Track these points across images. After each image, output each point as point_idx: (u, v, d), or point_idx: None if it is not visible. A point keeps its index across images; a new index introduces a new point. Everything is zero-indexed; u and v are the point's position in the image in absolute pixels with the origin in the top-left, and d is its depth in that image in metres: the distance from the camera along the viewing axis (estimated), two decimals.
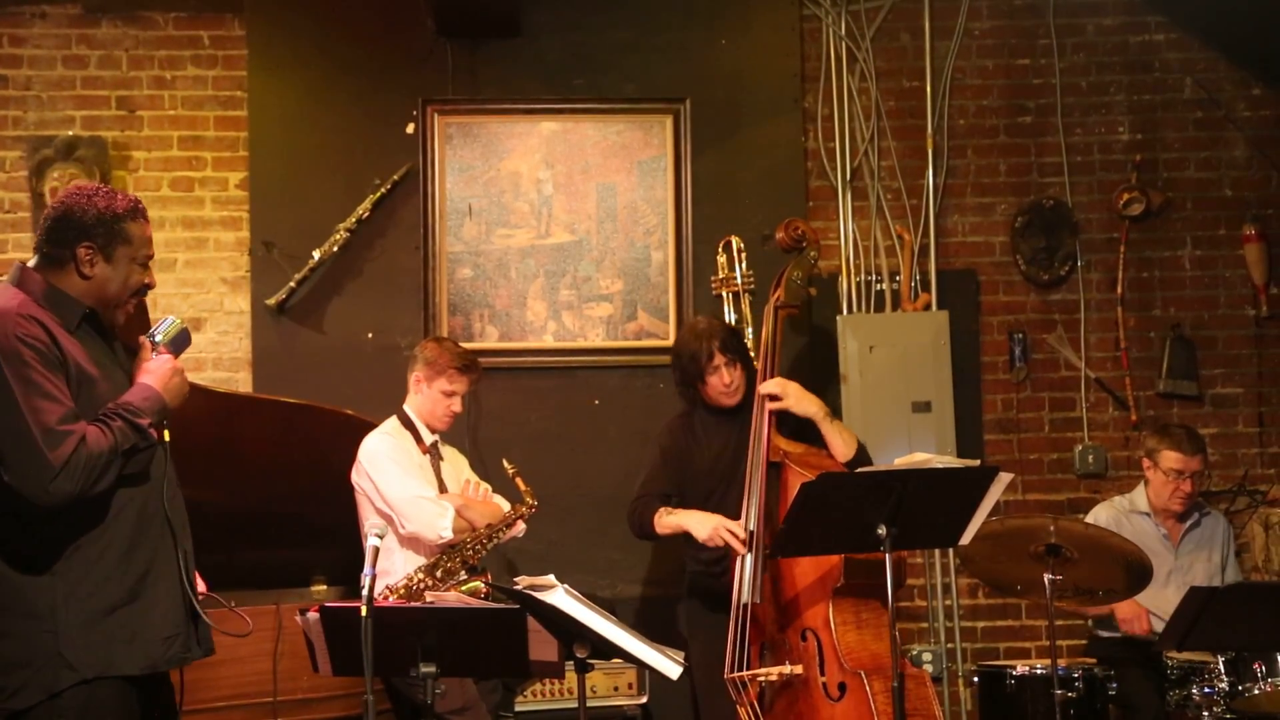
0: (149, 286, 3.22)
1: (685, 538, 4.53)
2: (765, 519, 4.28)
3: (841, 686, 4.05)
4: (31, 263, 3.12)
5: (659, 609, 5.48)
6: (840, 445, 4.41)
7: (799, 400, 4.42)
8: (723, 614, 4.32)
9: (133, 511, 3.06)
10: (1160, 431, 5.06)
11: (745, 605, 4.26)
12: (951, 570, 5.72)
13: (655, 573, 5.60)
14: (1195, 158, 5.96)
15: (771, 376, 4.48)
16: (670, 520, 4.51)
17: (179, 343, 3.24)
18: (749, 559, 4.27)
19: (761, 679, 4.22)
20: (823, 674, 4.11)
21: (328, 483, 4.64)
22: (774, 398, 4.40)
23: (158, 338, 3.20)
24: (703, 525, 4.39)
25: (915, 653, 5.62)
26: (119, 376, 3.15)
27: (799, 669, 4.15)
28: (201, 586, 3.36)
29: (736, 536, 4.29)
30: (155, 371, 3.13)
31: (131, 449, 3.00)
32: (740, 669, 4.25)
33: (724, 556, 4.41)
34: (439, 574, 4.42)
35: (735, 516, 4.35)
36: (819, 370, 5.73)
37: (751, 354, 4.76)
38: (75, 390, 3.00)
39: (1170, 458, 4.92)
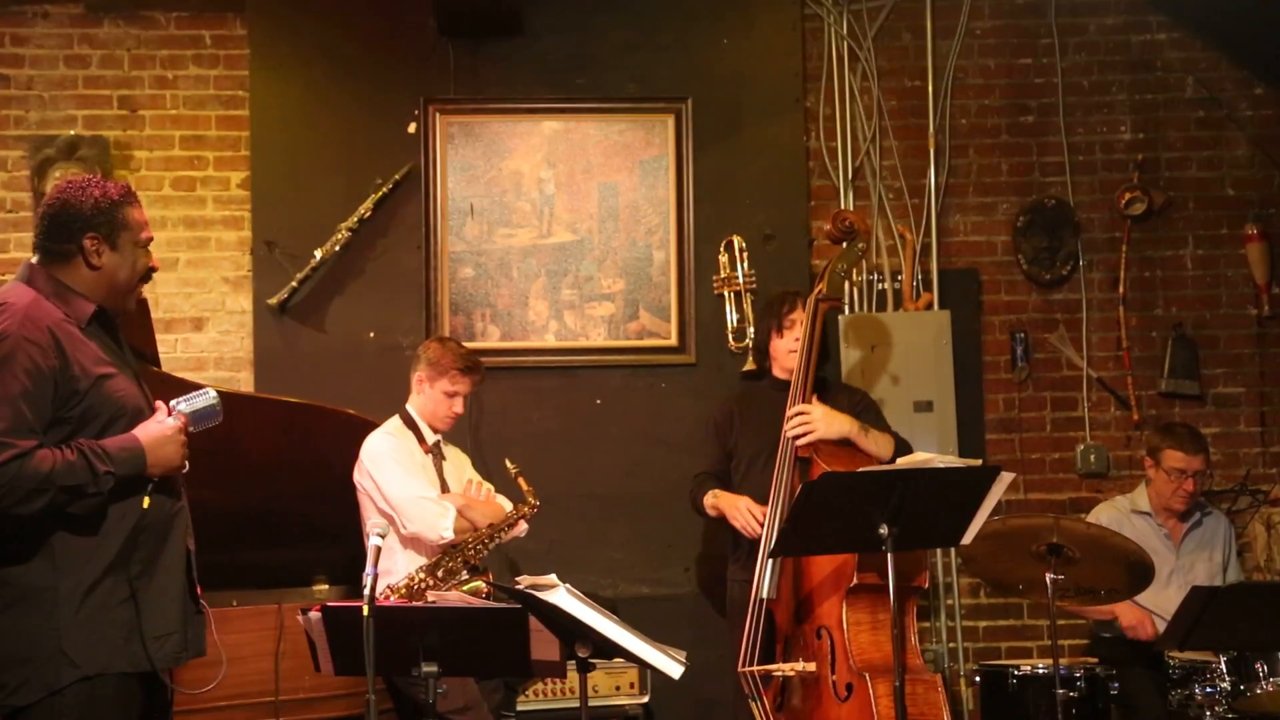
0: (154, 269, 3.22)
1: (726, 524, 4.63)
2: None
3: (849, 687, 4.06)
4: (35, 259, 3.12)
5: (661, 608, 5.48)
6: (876, 451, 4.42)
7: (829, 425, 4.41)
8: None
9: (136, 510, 3.05)
10: (1163, 430, 5.07)
11: (762, 601, 4.29)
12: (953, 570, 5.72)
13: (657, 572, 5.60)
14: (1197, 157, 5.96)
15: (808, 371, 4.48)
16: (711, 502, 4.65)
17: (202, 417, 3.14)
18: (768, 556, 4.29)
19: (777, 674, 4.23)
20: (833, 673, 4.12)
21: (329, 482, 4.64)
22: (805, 433, 4.39)
23: (181, 406, 3.11)
24: (735, 505, 4.52)
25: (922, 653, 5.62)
26: (128, 374, 3.14)
27: (812, 666, 4.16)
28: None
29: (756, 521, 4.41)
30: (151, 429, 3.06)
31: (76, 488, 2.93)
32: (754, 664, 4.26)
33: (754, 546, 4.44)
34: (440, 574, 4.42)
35: (764, 499, 4.42)
36: (821, 370, 5.72)
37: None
38: (85, 391, 2.99)
39: (1173, 457, 4.92)
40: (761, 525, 4.38)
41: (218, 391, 3.26)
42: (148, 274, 3.20)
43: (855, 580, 4.11)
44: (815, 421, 4.39)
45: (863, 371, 5.63)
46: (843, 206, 5.79)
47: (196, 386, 3.40)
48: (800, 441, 4.38)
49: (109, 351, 3.11)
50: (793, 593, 4.31)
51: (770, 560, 4.29)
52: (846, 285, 5.50)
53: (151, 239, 3.21)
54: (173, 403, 3.12)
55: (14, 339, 2.93)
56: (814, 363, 4.52)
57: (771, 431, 4.50)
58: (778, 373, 4.71)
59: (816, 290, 4.63)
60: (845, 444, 4.42)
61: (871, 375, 5.64)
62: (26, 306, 2.99)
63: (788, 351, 4.62)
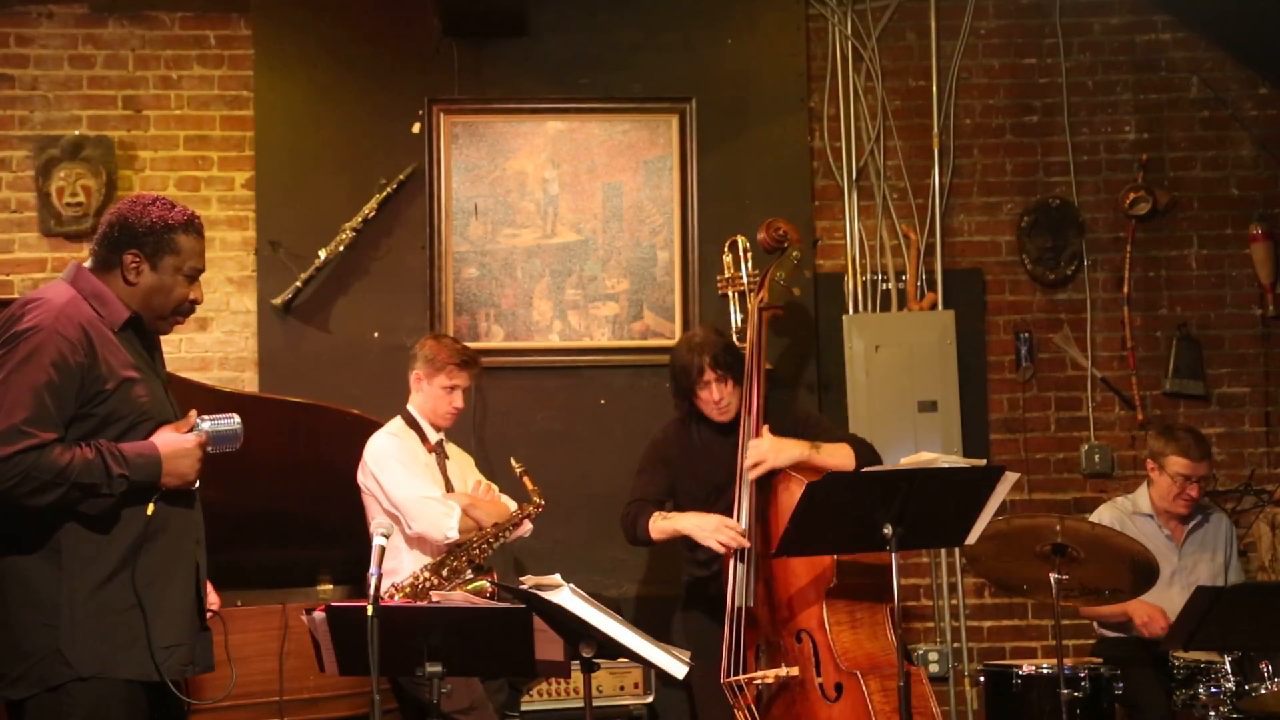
0: (195, 302, 3.22)
1: (682, 543, 4.53)
2: (755, 523, 4.28)
3: (838, 687, 4.05)
4: (86, 263, 3.16)
5: (664, 608, 5.46)
6: (836, 464, 4.32)
7: (778, 454, 4.30)
8: (721, 620, 4.30)
9: (142, 517, 3.05)
10: (1166, 434, 4.97)
11: (739, 609, 4.26)
12: (957, 570, 5.72)
13: (660, 572, 5.59)
14: (1202, 157, 5.95)
15: (757, 378, 4.43)
16: (665, 525, 4.47)
17: (222, 439, 3.16)
18: (742, 563, 4.27)
19: (758, 682, 4.22)
20: (819, 675, 4.11)
21: (333, 482, 4.64)
22: (755, 465, 4.30)
23: (205, 425, 3.13)
24: (702, 526, 4.35)
25: (921, 652, 5.62)
26: (156, 386, 3.16)
27: (795, 671, 4.14)
28: (214, 601, 3.35)
29: (738, 532, 4.27)
30: (171, 440, 3.08)
31: (89, 486, 2.96)
32: (736, 673, 4.25)
33: (719, 558, 4.38)
34: (445, 573, 4.43)
35: None
36: (824, 370, 5.73)
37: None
38: (110, 391, 3.01)
39: (1177, 463, 4.86)
40: (743, 534, 4.28)
41: (224, 390, 3.27)
42: (186, 305, 3.20)
43: (835, 581, 4.10)
44: (765, 454, 4.30)
45: (866, 372, 5.63)
46: (847, 207, 5.80)
47: (208, 390, 3.40)
48: (753, 474, 4.30)
49: (139, 358, 3.13)
50: (767, 598, 4.29)
51: (744, 568, 4.25)
52: (853, 288, 5.48)
53: (201, 270, 3.21)
54: (198, 419, 3.15)
55: (45, 332, 2.97)
56: (763, 375, 4.46)
57: (721, 470, 4.43)
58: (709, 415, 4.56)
59: (759, 299, 4.62)
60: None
61: (875, 375, 5.63)
62: (63, 304, 3.03)
63: (710, 408, 4.49)
